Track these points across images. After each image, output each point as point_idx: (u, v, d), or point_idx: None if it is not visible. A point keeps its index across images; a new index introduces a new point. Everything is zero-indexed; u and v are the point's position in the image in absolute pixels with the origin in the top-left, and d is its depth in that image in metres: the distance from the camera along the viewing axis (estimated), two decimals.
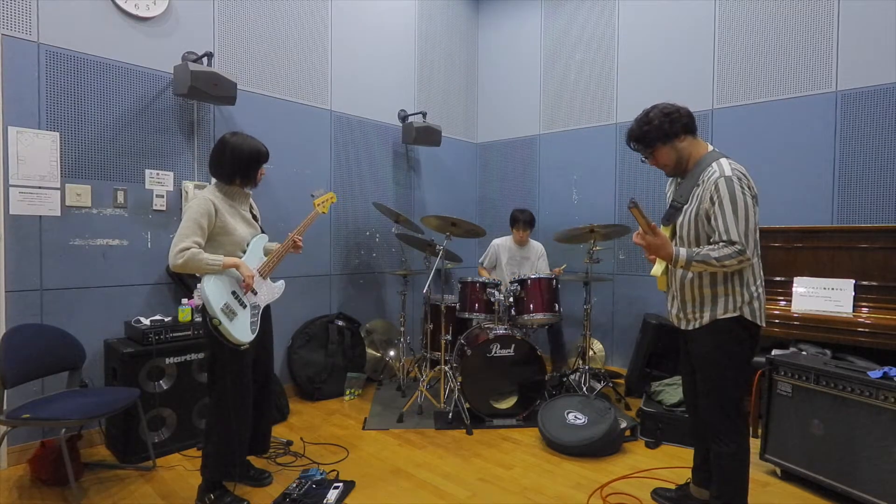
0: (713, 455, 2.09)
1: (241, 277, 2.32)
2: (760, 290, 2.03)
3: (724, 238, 1.90)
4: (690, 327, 2.09)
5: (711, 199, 1.93)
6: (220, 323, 2.22)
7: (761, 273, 2.06)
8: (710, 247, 1.94)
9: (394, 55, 4.72)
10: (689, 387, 2.27)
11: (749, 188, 1.94)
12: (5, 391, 2.39)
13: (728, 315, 1.99)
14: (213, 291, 2.24)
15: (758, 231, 1.96)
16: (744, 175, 1.95)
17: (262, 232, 2.56)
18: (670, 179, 2.26)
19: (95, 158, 3.05)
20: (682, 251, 1.96)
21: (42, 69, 2.85)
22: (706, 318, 2.03)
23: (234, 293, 2.32)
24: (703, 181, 1.98)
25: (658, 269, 2.15)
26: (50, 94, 2.88)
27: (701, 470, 2.32)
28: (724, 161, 1.98)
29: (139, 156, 3.21)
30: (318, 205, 2.75)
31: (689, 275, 2.05)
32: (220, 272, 2.27)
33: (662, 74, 4.22)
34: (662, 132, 2.05)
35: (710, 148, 2.09)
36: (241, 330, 2.31)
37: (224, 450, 2.36)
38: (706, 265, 1.93)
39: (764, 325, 2.05)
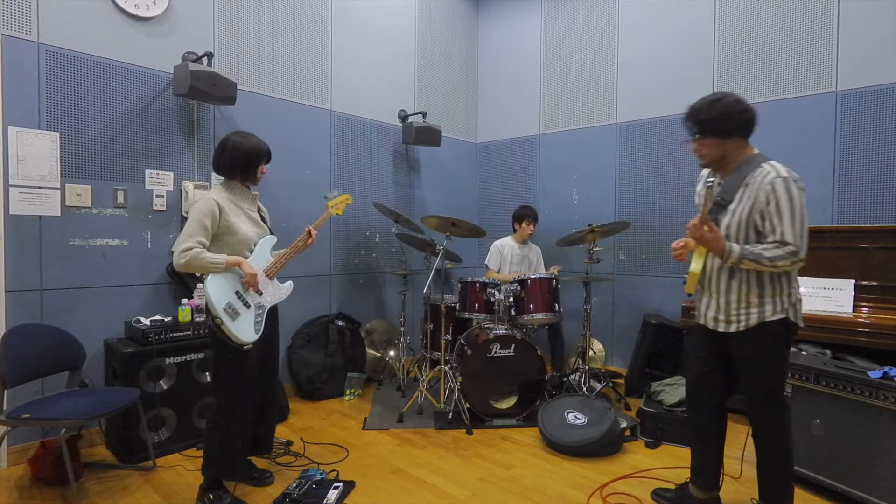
0: (761, 448, 2.13)
1: (244, 276, 2.33)
2: (800, 292, 2.07)
3: (779, 238, 1.90)
4: (732, 329, 2.08)
5: (767, 199, 1.92)
6: (223, 322, 2.23)
7: (796, 275, 2.08)
8: (763, 246, 1.94)
9: (394, 55, 4.72)
10: (705, 386, 2.25)
11: (803, 190, 1.94)
12: (5, 391, 2.39)
13: (776, 317, 2.00)
14: (216, 291, 2.24)
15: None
16: (798, 178, 1.95)
17: (272, 234, 2.57)
18: (703, 176, 2.24)
19: (95, 158, 3.04)
20: (736, 247, 1.96)
21: (42, 69, 2.85)
22: (753, 320, 2.02)
23: (237, 293, 2.32)
24: (754, 181, 1.97)
25: (697, 265, 2.11)
26: (50, 94, 2.88)
27: (710, 470, 2.28)
28: (775, 163, 1.98)
29: (139, 156, 3.21)
30: (332, 206, 2.77)
31: (737, 277, 2.04)
32: (223, 271, 2.28)
33: (662, 74, 4.22)
34: (725, 127, 2.00)
35: (756, 150, 2.07)
36: (244, 330, 2.31)
37: (226, 449, 2.36)
38: (758, 264, 1.93)
39: (802, 325, 2.06)
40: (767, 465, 2.14)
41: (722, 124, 2.00)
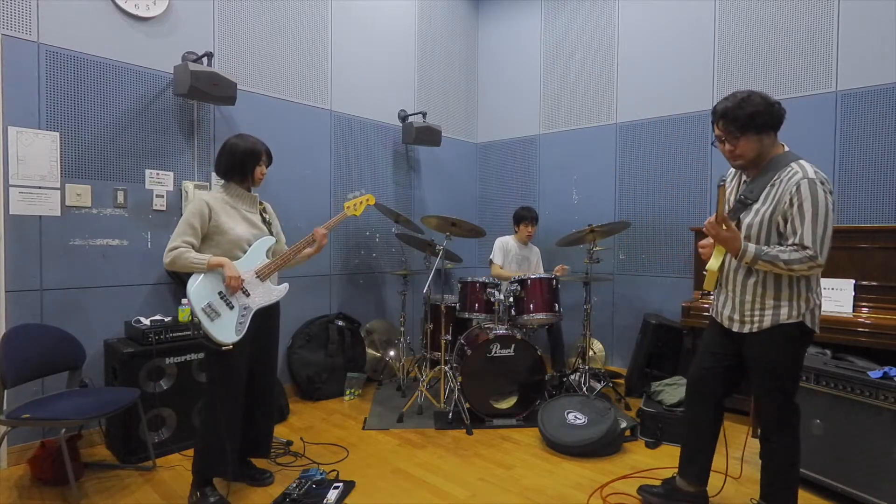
0: (767, 450, 2.12)
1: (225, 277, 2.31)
2: (820, 298, 2.03)
3: (797, 242, 1.88)
4: (746, 329, 2.06)
5: (791, 200, 1.89)
6: (200, 322, 2.24)
7: (819, 280, 2.05)
8: (781, 248, 1.92)
9: (394, 55, 4.72)
10: (709, 383, 2.23)
11: (830, 193, 1.90)
12: (5, 391, 2.39)
13: (791, 321, 1.98)
14: (196, 291, 2.26)
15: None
16: (826, 180, 1.92)
17: (272, 235, 2.55)
18: (732, 173, 2.21)
19: (95, 158, 3.05)
20: (752, 247, 1.94)
21: (42, 69, 2.85)
22: (767, 322, 2.01)
23: (221, 293, 2.31)
24: (781, 181, 1.94)
25: (714, 263, 2.08)
26: (50, 94, 2.88)
27: (703, 465, 2.28)
28: (804, 163, 1.94)
29: (139, 156, 3.21)
30: (348, 207, 2.76)
31: (753, 277, 2.02)
32: (206, 271, 2.29)
33: (662, 74, 4.22)
34: (762, 121, 1.94)
35: (786, 148, 2.04)
36: (224, 330, 2.29)
37: (211, 446, 2.34)
38: (773, 266, 1.91)
39: (818, 332, 2.03)
40: (772, 467, 2.13)
41: (759, 120, 1.94)
